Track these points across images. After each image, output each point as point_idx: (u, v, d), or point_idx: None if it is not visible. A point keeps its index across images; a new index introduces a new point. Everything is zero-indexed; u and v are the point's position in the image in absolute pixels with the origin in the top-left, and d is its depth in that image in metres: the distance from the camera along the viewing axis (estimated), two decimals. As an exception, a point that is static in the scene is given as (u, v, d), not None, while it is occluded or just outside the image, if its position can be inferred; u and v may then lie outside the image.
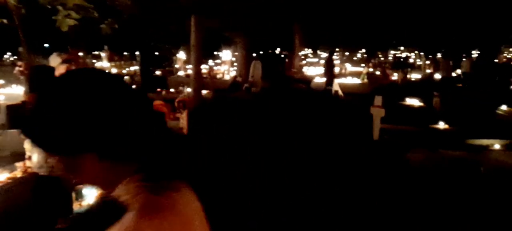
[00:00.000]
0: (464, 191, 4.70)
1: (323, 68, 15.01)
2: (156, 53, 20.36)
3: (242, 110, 9.86)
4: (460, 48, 17.26)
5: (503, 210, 4.11)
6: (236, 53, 17.74)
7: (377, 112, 6.81)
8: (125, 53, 26.06)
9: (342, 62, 25.59)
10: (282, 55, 25.26)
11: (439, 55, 21.48)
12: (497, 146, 6.04)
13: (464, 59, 17.54)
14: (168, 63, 21.21)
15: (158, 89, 11.62)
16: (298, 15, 17.45)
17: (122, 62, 25.16)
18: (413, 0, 14.70)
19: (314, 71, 19.54)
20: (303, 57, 24.71)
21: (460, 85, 14.79)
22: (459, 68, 16.75)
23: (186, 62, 17.60)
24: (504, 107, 9.09)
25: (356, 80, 15.19)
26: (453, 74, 18.10)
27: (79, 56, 9.07)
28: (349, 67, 21.23)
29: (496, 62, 13.18)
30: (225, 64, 17.30)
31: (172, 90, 12.18)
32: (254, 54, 18.30)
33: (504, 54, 19.88)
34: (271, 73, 17.52)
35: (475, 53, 20.22)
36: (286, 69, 21.06)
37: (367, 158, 5.87)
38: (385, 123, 6.88)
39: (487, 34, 12.24)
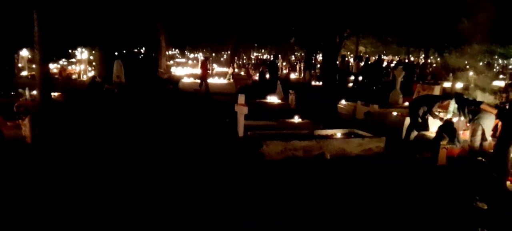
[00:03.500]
0: (312, 173, 5.36)
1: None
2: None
3: (101, 114, 9.03)
4: (309, 53, 19.73)
5: (343, 185, 4.94)
6: (94, 52, 16.24)
7: (241, 110, 7.14)
8: None
9: (210, 62, 26.10)
10: (153, 55, 24.34)
11: (293, 57, 24.28)
12: (338, 135, 7.05)
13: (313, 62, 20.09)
14: (8, 62, 17.99)
15: (-9, 93, 9.71)
16: (160, 15, 17.04)
17: None
18: (272, 8, 16.02)
19: (182, 72, 19.33)
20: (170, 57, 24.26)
21: (312, 84, 16.86)
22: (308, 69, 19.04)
23: (32, 61, 15.21)
24: (343, 102, 10.67)
25: (223, 80, 15.69)
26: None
27: None
28: (216, 67, 21.77)
29: (336, 64, 15.50)
30: (81, 64, 15.60)
31: (12, 93, 10.33)
32: (116, 53, 17.06)
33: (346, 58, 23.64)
34: (137, 73, 16.67)
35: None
36: (153, 69, 20.34)
37: (229, 154, 6.11)
38: (249, 120, 7.27)
39: (327, 41, 14.30)
